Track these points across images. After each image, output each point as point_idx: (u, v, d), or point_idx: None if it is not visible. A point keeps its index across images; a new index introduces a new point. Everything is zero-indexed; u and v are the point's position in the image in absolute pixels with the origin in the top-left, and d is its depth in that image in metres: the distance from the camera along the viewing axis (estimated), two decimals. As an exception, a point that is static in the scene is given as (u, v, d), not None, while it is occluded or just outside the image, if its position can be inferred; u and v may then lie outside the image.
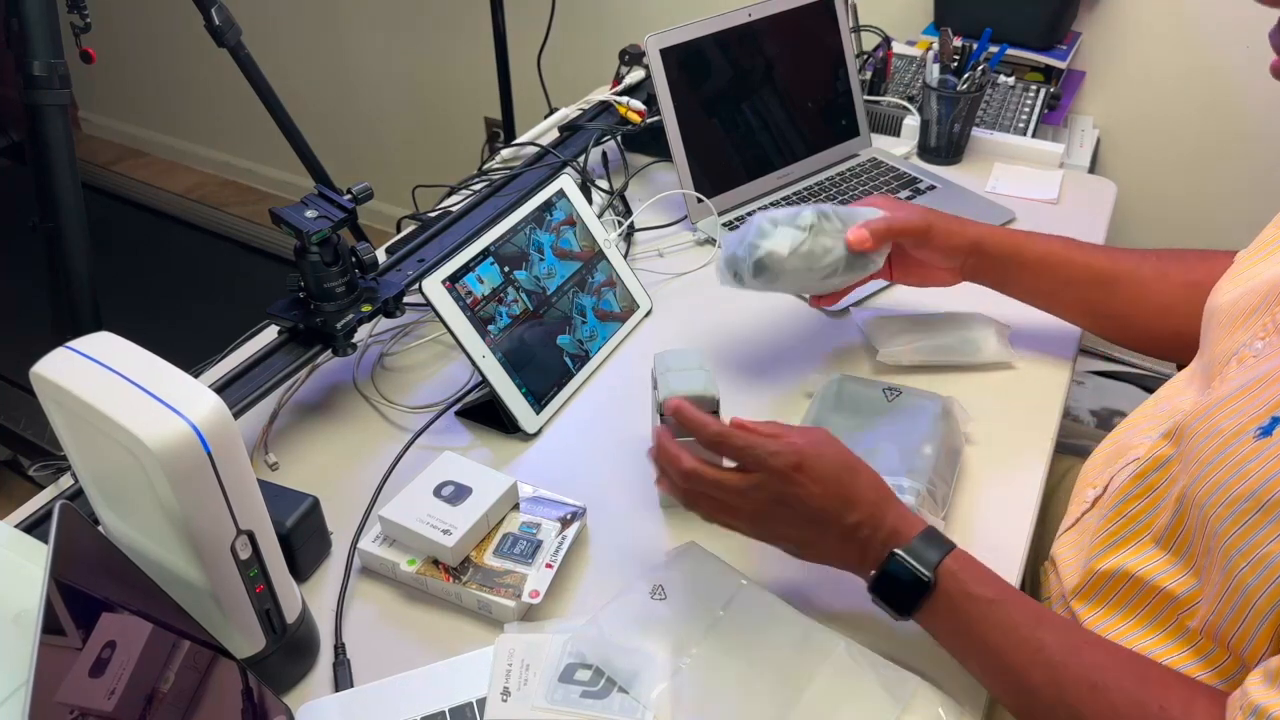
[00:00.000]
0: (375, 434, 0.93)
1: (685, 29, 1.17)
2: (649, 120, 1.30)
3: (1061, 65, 1.52)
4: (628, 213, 1.19)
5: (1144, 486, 0.70)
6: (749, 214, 1.23)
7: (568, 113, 1.38)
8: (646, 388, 0.87)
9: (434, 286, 0.89)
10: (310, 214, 0.89)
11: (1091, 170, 1.47)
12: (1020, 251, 0.94)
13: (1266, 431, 0.58)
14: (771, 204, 1.25)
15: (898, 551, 0.66)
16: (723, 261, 0.93)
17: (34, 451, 1.91)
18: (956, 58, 1.31)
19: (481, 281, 0.93)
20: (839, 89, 1.33)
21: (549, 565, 0.76)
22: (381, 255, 1.06)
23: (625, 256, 1.10)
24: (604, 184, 1.23)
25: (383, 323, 1.04)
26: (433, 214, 1.17)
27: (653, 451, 0.74)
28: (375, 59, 2.47)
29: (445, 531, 0.75)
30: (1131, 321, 0.93)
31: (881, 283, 1.07)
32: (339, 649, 0.73)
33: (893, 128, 1.44)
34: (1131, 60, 1.62)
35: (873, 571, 0.67)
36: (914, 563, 0.66)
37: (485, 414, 0.93)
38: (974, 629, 0.65)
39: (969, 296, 0.99)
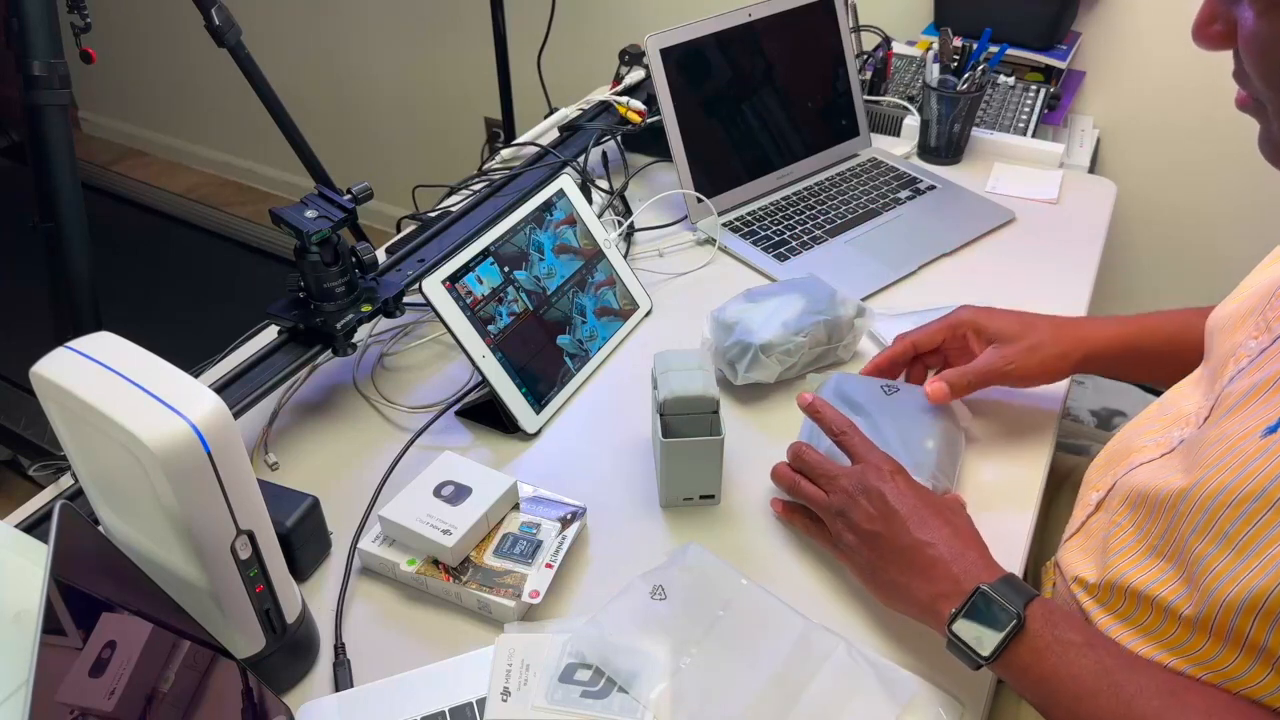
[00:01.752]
0: (375, 434, 0.93)
1: (685, 29, 1.17)
2: (649, 120, 1.30)
3: (1061, 65, 1.52)
4: (628, 213, 1.19)
5: (1142, 495, 0.69)
6: (749, 214, 1.23)
7: (568, 113, 1.38)
8: (646, 388, 0.87)
9: (434, 286, 0.89)
10: (310, 214, 0.89)
11: (1091, 170, 1.47)
12: (1138, 346, 0.88)
13: (1272, 429, 0.57)
14: (771, 203, 1.25)
15: (983, 587, 0.64)
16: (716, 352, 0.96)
17: (34, 451, 1.91)
18: (956, 58, 1.31)
19: (481, 281, 0.93)
20: (839, 89, 1.33)
21: (549, 565, 0.76)
22: (381, 255, 1.06)
23: (625, 256, 1.10)
24: (604, 184, 1.23)
25: (383, 323, 1.04)
26: (433, 214, 1.17)
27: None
28: (375, 59, 2.47)
29: (445, 531, 0.75)
30: None
31: (892, 277, 1.07)
32: (339, 649, 0.73)
33: (893, 128, 1.44)
34: (1131, 60, 1.62)
35: (952, 609, 0.65)
36: (1000, 600, 0.63)
37: (485, 414, 0.93)
38: (1061, 673, 0.62)
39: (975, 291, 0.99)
